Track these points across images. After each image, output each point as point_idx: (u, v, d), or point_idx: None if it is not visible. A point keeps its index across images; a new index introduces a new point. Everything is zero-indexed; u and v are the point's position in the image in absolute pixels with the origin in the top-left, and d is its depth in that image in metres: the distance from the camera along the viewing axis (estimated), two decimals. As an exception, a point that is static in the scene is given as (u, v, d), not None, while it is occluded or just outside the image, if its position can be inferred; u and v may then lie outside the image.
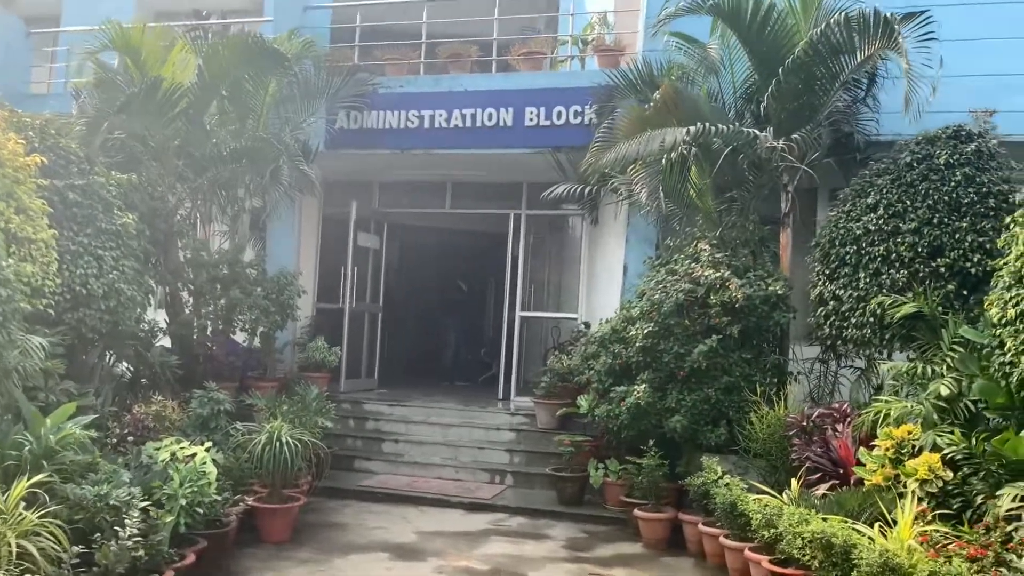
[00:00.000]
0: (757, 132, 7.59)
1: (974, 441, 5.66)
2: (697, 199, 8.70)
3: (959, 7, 8.93)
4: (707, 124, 7.57)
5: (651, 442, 7.87)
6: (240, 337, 10.51)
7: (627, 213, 10.52)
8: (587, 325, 11.28)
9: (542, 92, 10.75)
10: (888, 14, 6.85)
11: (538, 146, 10.65)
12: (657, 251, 10.04)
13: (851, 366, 8.05)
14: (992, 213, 6.91)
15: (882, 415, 6.46)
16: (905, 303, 6.80)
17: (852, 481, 6.42)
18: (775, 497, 6.45)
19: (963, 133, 7.42)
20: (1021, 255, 5.60)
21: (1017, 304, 5.54)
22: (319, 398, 9.10)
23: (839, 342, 7.49)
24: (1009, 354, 5.49)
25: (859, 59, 7.42)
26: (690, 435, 8.01)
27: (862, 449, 6.40)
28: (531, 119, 10.69)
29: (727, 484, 6.84)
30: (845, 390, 8.19)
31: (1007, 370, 5.59)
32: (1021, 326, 5.48)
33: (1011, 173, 7.25)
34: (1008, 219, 6.01)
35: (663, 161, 8.04)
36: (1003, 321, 5.66)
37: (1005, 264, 5.95)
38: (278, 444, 7.36)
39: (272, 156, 9.94)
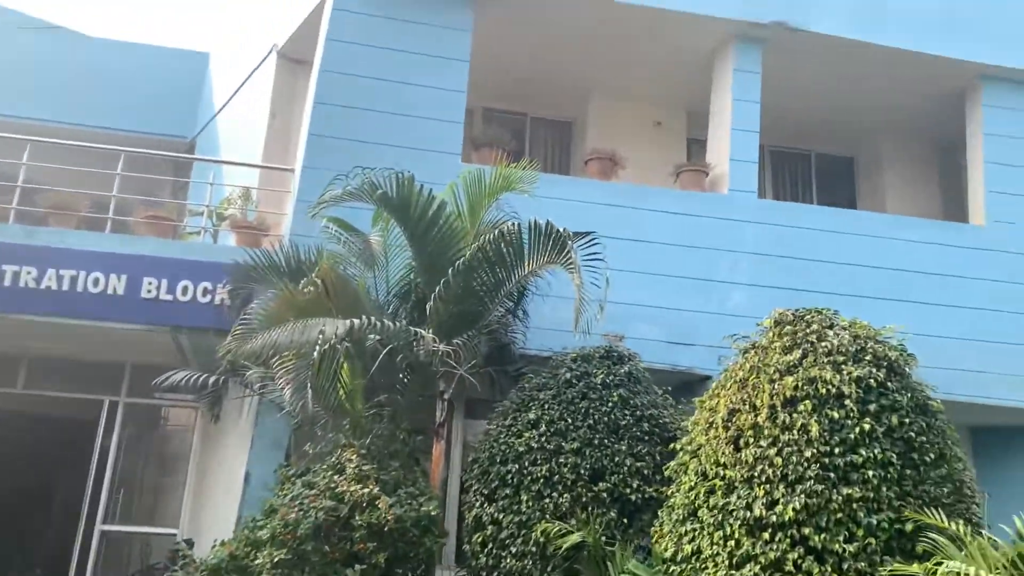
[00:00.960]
0: (424, 332, 6.95)
1: None
2: (346, 401, 7.68)
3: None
4: (372, 318, 6.76)
5: None
6: None
7: (256, 412, 9.10)
8: (189, 544, 9.30)
9: (167, 262, 9.20)
10: (561, 228, 6.84)
11: (155, 323, 8.95)
12: (287, 459, 8.70)
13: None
14: (647, 437, 6.88)
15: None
16: (570, 531, 6.31)
17: None
18: None
19: (615, 354, 7.52)
20: (693, 486, 5.41)
21: (693, 539, 5.26)
22: None
23: (495, 574, 6.73)
24: (691, 596, 5.12)
25: (526, 270, 7.28)
26: None
27: None
28: (149, 291, 9.02)
29: None
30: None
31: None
32: (697, 564, 5.17)
33: (657, 397, 7.40)
34: (675, 444, 5.92)
35: (315, 355, 6.99)
36: (678, 558, 5.35)
37: (673, 495, 5.77)
38: None
39: None
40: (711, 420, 5.56)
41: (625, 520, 6.55)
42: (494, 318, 8.01)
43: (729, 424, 5.35)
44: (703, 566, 5.07)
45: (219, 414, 9.10)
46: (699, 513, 5.27)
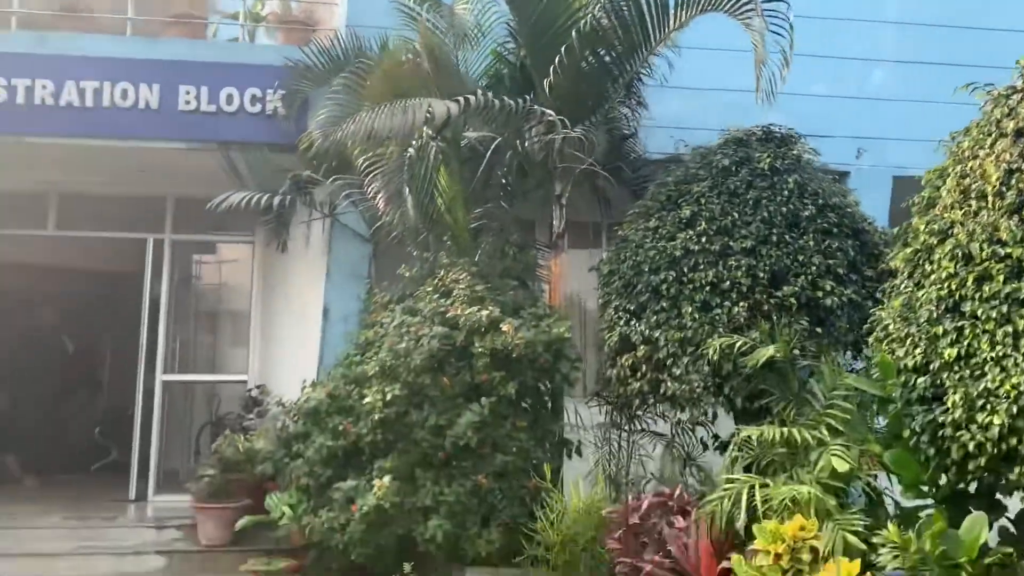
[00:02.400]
0: (547, 112, 5.51)
1: (922, 539, 3.95)
2: (446, 212, 6.35)
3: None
4: (488, 94, 5.31)
5: (408, 566, 5.21)
6: None
7: (328, 237, 7.83)
8: (262, 391, 8.31)
9: (204, 67, 7.69)
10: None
11: (199, 139, 7.56)
12: (368, 291, 7.49)
13: (648, 431, 6.21)
14: (835, 230, 5.54)
15: (740, 503, 4.61)
16: (754, 345, 5.09)
17: (722, 603, 4.45)
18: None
19: (776, 135, 6.08)
20: (953, 274, 4.10)
21: (957, 341, 4.00)
22: None
23: (651, 400, 5.58)
24: (958, 410, 3.90)
25: (671, 26, 5.71)
26: (452, 544, 5.54)
27: (735, 557, 4.45)
28: (188, 102, 7.57)
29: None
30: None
31: (944, 434, 4.01)
32: (968, 371, 3.93)
33: (833, 185, 6.01)
34: (903, 227, 4.60)
35: (410, 151, 5.59)
36: (932, 367, 4.11)
37: (900, 291, 4.49)
38: None
39: None
40: (967, 188, 4.19)
41: (819, 329, 5.31)
42: (615, 104, 6.53)
43: (1005, 189, 3.98)
44: (979, 372, 3.85)
45: (286, 242, 7.82)
46: (965, 307, 4.01)
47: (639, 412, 6.06)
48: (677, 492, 5.13)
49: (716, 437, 6.07)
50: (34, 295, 12.09)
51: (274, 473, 6.64)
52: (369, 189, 6.10)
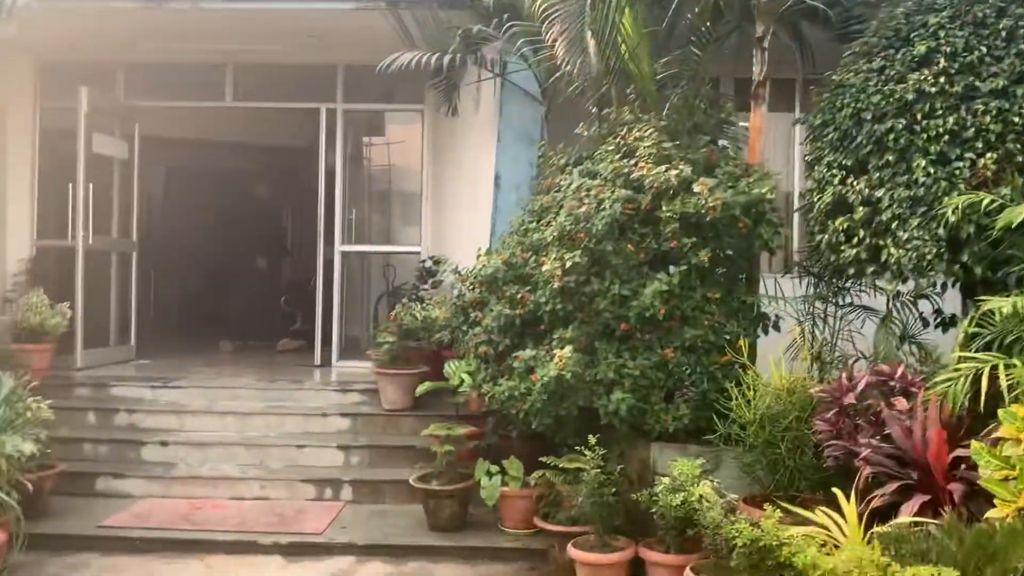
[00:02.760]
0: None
1: None
2: (629, 61, 5.73)
3: None
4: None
5: (593, 438, 4.94)
6: None
7: (499, 98, 7.42)
8: (436, 261, 8.21)
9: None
10: None
11: (366, -1, 7.25)
12: (542, 155, 7.06)
13: (858, 305, 5.54)
14: (1115, 67, 4.51)
15: (980, 385, 3.96)
16: (1004, 204, 4.28)
17: (955, 497, 3.88)
18: (825, 530, 3.82)
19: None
20: None
21: None
22: (17, 390, 5.37)
23: (868, 269, 4.89)
24: None
25: None
26: (636, 418, 5.23)
27: (976, 445, 3.84)
28: (355, -41, 7.23)
29: (737, 518, 4.08)
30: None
31: None
32: None
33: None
34: None
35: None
36: None
37: None
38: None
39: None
40: None
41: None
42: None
43: None
44: None
45: (455, 105, 7.48)
46: None
47: (849, 284, 5.39)
48: (899, 371, 4.52)
49: (938, 312, 5.34)
50: (218, 170, 12.59)
51: (451, 341, 6.57)
52: (547, 35, 5.56)
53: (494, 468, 5.71)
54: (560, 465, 5.18)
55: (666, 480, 4.52)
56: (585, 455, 4.88)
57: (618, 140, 5.68)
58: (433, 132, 8.57)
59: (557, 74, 6.07)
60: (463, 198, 8.08)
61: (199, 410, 7.09)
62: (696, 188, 5.09)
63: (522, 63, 6.70)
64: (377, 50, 7.60)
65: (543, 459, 5.34)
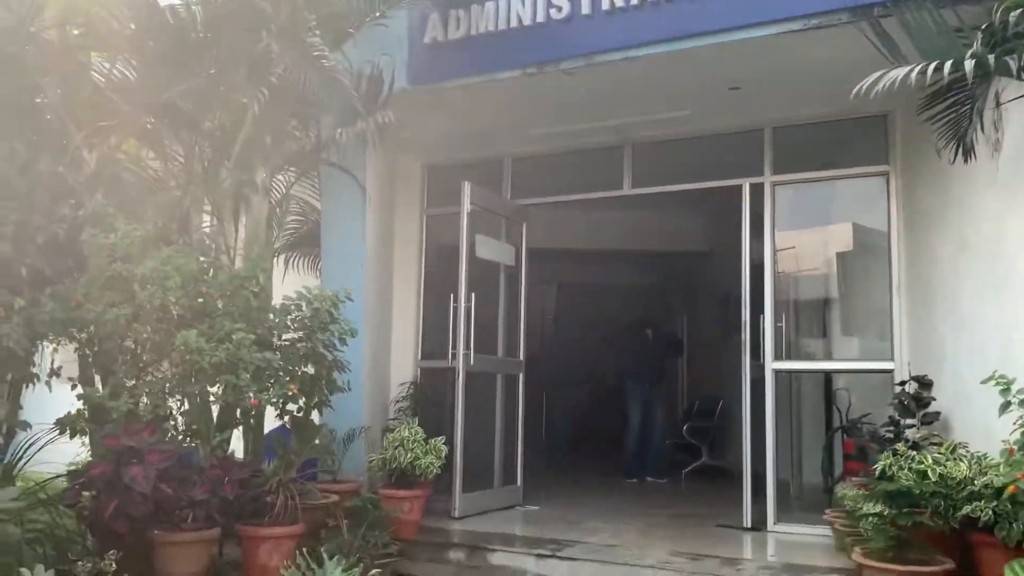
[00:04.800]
0: None
1: None
2: None
3: None
4: None
5: None
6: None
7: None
8: (922, 383, 5.58)
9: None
10: None
11: (826, 9, 5.16)
12: None
13: None
14: None
15: None
16: None
17: None
18: None
19: None
20: None
21: None
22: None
23: None
24: None
25: None
26: None
27: None
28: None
29: None
30: None
31: None
32: None
33: None
34: None
35: None
36: None
37: None
38: None
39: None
40: None
41: None
42: None
43: None
44: None
45: (972, 145, 4.90)
46: None
47: None
48: None
49: None
50: (608, 284, 11.25)
51: (994, 519, 3.92)
52: None
53: None
54: None
55: None
56: None
57: None
58: (907, 198, 6.11)
59: None
60: (967, 286, 5.40)
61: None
62: None
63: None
64: (820, 95, 5.50)
65: None
